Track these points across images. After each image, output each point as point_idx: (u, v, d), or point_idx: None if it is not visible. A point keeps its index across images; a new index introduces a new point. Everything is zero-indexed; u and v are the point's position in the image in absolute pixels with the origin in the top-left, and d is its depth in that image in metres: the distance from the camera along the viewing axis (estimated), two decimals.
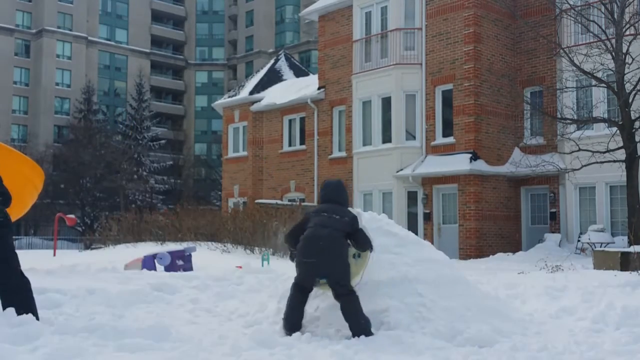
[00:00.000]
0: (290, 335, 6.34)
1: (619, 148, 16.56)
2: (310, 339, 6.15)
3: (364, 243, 6.62)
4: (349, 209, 6.79)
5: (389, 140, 22.49)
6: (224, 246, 17.61)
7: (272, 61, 32.10)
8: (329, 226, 6.45)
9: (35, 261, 13.24)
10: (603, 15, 17.54)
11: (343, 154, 25.11)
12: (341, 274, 6.40)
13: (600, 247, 17.09)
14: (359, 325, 6.28)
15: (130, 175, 55.43)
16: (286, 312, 6.57)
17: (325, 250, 6.33)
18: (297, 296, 6.53)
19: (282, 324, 6.57)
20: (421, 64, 22.38)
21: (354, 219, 6.62)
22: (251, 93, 28.96)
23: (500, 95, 21.71)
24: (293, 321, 6.51)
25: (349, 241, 6.59)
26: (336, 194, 6.79)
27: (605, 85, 16.99)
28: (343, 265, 6.42)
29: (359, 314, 6.32)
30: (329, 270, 6.37)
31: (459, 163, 20.72)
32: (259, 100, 28.51)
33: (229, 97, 30.65)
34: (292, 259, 6.80)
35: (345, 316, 6.33)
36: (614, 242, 18.05)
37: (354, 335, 6.25)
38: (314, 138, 26.25)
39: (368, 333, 6.26)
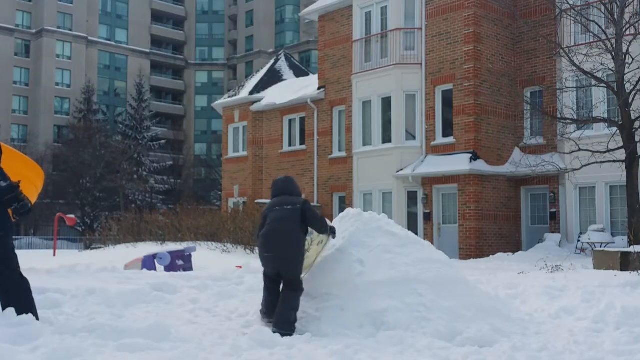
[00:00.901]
0: (268, 321, 6.60)
1: (619, 148, 16.55)
2: (311, 339, 6.15)
3: (319, 224, 6.94)
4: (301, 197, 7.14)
5: (389, 140, 22.48)
6: (224, 246, 17.63)
7: (272, 61, 32.09)
8: (284, 219, 6.77)
9: (35, 261, 13.25)
10: (603, 15, 17.54)
11: (343, 154, 25.11)
12: (295, 268, 6.72)
13: (600, 247, 17.09)
14: (284, 319, 6.50)
15: (130, 175, 55.43)
16: (263, 299, 6.94)
17: (281, 245, 6.68)
18: (267, 284, 6.91)
19: (260, 312, 6.90)
20: (421, 64, 22.39)
21: (305, 203, 6.94)
22: (251, 93, 28.96)
23: (500, 95, 21.71)
24: (268, 306, 6.84)
25: (308, 228, 6.91)
26: (286, 186, 7.15)
27: (605, 85, 16.99)
28: (297, 259, 6.73)
29: (292, 312, 6.57)
30: (284, 264, 6.71)
31: (459, 163, 20.73)
32: (259, 100, 28.51)
33: (229, 97, 30.65)
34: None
35: (280, 305, 6.62)
36: (614, 242, 18.05)
37: (274, 325, 6.48)
38: (314, 138, 26.25)
39: (286, 331, 6.42)
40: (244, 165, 28.89)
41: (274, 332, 6.33)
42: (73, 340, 5.53)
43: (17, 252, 6.00)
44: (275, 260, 6.71)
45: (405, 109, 22.36)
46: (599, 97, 18.91)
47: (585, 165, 17.09)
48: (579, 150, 17.11)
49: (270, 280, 6.86)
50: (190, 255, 13.34)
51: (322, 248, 7.14)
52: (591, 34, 17.61)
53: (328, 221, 7.19)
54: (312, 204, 25.10)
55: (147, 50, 76.16)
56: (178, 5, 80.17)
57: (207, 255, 15.18)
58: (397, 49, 22.57)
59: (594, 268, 12.87)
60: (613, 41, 16.43)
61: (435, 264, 7.29)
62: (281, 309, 6.59)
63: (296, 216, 6.76)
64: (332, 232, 7.13)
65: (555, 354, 5.79)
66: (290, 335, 6.37)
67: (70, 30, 69.65)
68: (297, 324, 6.59)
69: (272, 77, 30.01)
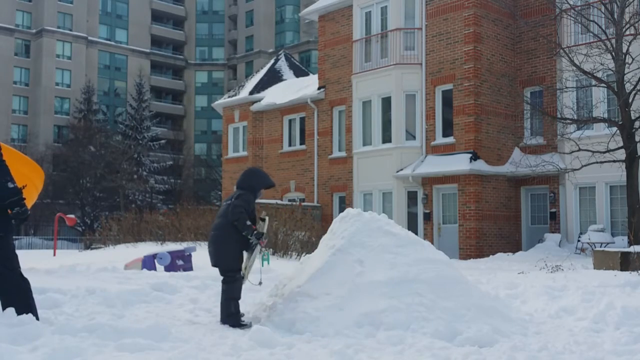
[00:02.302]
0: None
1: (619, 148, 16.55)
2: (311, 339, 6.15)
3: (233, 214, 6.94)
4: (243, 191, 7.17)
5: (389, 140, 22.49)
6: None
7: (272, 61, 32.08)
8: (221, 215, 7.15)
9: (35, 261, 13.27)
10: (603, 15, 17.53)
11: (343, 154, 25.11)
12: (225, 261, 7.04)
13: (600, 247, 17.09)
14: (227, 313, 6.90)
15: (130, 175, 55.39)
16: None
17: (214, 240, 7.06)
18: None
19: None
20: (421, 64, 22.39)
21: (238, 196, 7.07)
22: (251, 93, 28.97)
23: (500, 95, 21.71)
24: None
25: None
26: (240, 180, 7.33)
27: (605, 85, 16.98)
28: (227, 254, 7.01)
29: (231, 302, 6.90)
30: (216, 259, 7.13)
31: (459, 163, 20.72)
32: (259, 100, 28.52)
33: (229, 97, 30.65)
34: None
35: (221, 299, 7.01)
36: (614, 242, 18.05)
37: (222, 322, 6.90)
38: (314, 138, 26.25)
39: (229, 323, 6.82)
40: (244, 165, 28.84)
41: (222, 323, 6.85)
42: (73, 340, 5.53)
43: (17, 252, 6.01)
44: (212, 253, 7.14)
45: (405, 109, 22.37)
46: (599, 97, 18.92)
47: (585, 165, 17.09)
48: (579, 150, 17.10)
49: None
50: (190, 255, 13.34)
51: (252, 254, 7.20)
52: (591, 34, 17.60)
53: (252, 225, 7.06)
54: (311, 204, 25.06)
55: (147, 50, 76.13)
56: (178, 5, 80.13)
57: (207, 255, 15.16)
58: (397, 49, 22.57)
59: (594, 268, 12.86)
60: (613, 41, 16.42)
61: (435, 264, 7.29)
62: (221, 302, 6.98)
63: (228, 212, 7.05)
64: (256, 236, 7.02)
65: (555, 354, 5.79)
66: (238, 326, 6.73)
67: (70, 30, 69.61)
68: (296, 324, 6.59)
69: (272, 77, 30.01)
